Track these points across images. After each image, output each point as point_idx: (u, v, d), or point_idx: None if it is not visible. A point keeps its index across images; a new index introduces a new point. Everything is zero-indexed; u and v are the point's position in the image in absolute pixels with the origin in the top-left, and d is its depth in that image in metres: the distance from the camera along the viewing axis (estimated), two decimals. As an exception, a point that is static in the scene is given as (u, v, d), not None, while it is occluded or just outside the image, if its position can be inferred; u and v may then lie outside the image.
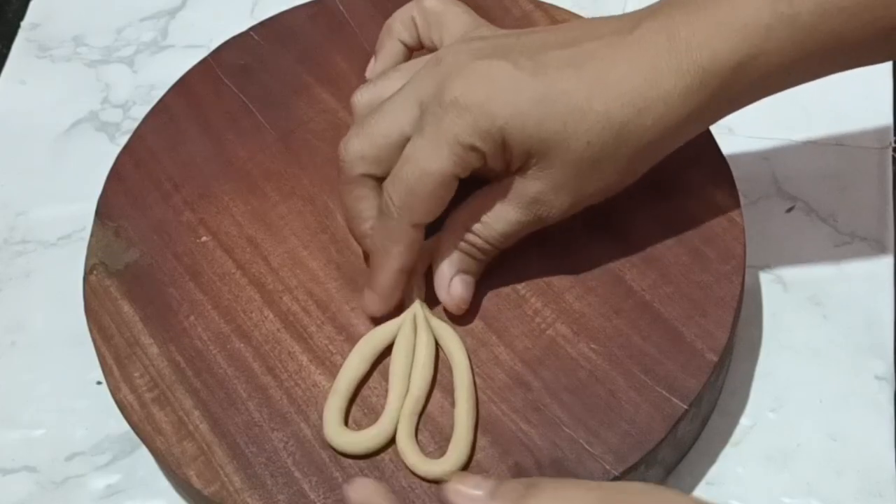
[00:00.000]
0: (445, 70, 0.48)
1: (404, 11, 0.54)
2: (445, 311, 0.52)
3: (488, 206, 0.50)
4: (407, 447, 0.48)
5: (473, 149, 0.47)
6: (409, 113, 0.49)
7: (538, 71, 0.47)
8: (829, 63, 0.49)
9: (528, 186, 0.49)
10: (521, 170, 0.48)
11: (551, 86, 0.47)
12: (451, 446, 0.48)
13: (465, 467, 0.48)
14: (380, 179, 0.50)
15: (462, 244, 0.51)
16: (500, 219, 0.50)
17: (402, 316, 0.51)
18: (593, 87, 0.47)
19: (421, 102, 0.49)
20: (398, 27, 0.54)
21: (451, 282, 0.51)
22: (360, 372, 0.50)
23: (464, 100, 0.47)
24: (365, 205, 0.51)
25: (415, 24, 0.53)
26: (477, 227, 0.50)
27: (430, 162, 0.47)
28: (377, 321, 0.52)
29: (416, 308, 0.51)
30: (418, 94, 0.49)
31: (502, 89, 0.47)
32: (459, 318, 0.52)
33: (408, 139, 0.49)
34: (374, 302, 0.51)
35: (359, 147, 0.50)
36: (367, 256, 0.53)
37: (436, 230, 0.51)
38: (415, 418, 0.49)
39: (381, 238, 0.50)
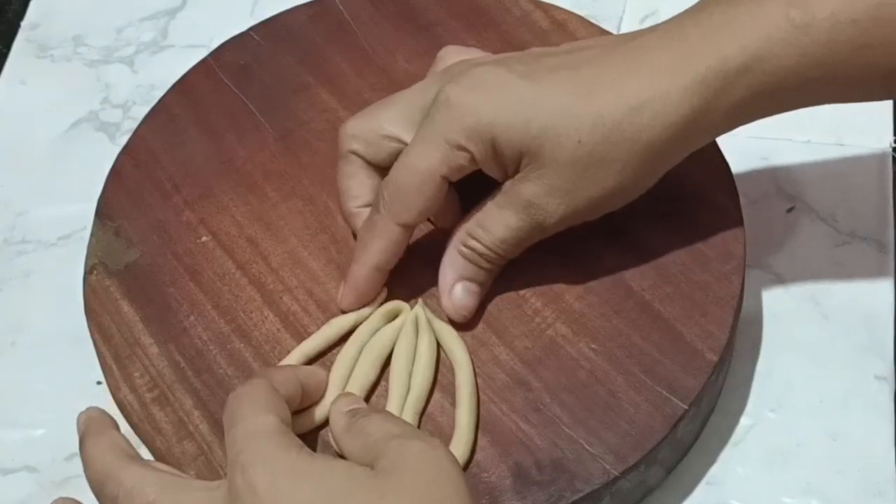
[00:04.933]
0: (448, 76, 0.49)
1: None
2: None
3: (488, 211, 0.50)
4: None
5: (461, 147, 0.48)
6: (404, 110, 0.51)
7: (531, 74, 0.48)
8: (841, 82, 0.47)
9: (523, 189, 0.48)
10: (517, 173, 0.49)
11: (542, 86, 0.47)
12: (451, 446, 0.48)
13: (466, 467, 0.48)
14: (370, 163, 0.52)
15: (464, 249, 0.51)
16: (498, 223, 0.50)
17: (402, 317, 0.51)
18: (585, 88, 0.47)
19: (419, 104, 0.50)
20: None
21: (453, 288, 0.51)
22: (370, 379, 0.50)
23: (455, 100, 0.48)
24: (353, 183, 0.52)
25: None
26: (478, 232, 0.50)
27: (419, 159, 0.48)
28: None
29: (418, 309, 0.51)
30: (418, 96, 0.50)
31: (493, 89, 0.48)
32: (462, 323, 0.52)
33: (395, 136, 0.50)
34: (346, 296, 0.52)
35: (353, 126, 0.52)
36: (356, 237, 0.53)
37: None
38: (416, 418, 0.49)
39: (364, 232, 0.51)
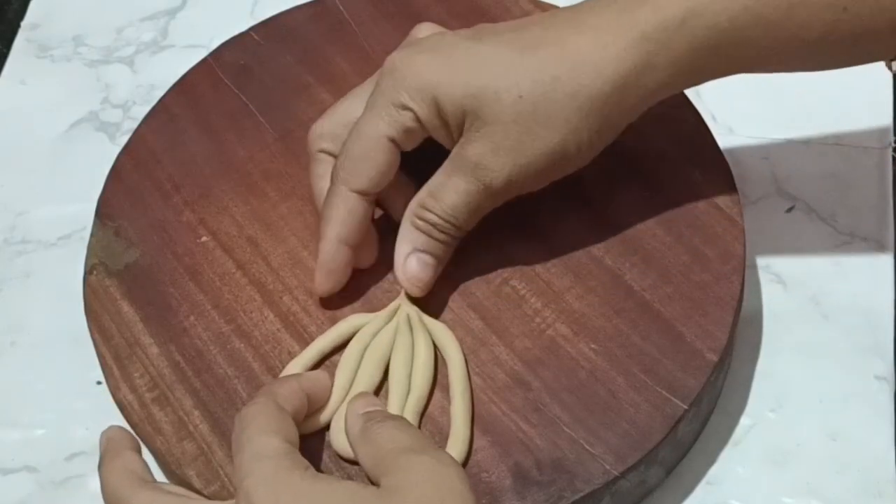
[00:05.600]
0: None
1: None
2: (446, 309, 0.52)
3: (437, 180, 0.50)
4: None
5: (404, 107, 0.48)
6: (366, 96, 0.51)
7: (475, 36, 0.49)
8: (773, 47, 0.47)
9: (468, 150, 0.48)
10: (462, 135, 0.49)
11: (485, 46, 0.48)
12: (449, 443, 0.48)
13: (465, 463, 0.48)
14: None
15: (416, 220, 0.50)
16: (447, 189, 0.49)
17: (397, 316, 0.51)
18: (527, 47, 0.47)
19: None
20: None
21: (407, 259, 0.50)
22: (374, 381, 0.50)
23: (399, 64, 0.49)
24: (325, 183, 0.52)
25: None
26: (428, 201, 0.50)
27: (366, 125, 0.49)
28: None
29: (409, 309, 0.51)
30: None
31: (436, 51, 0.49)
32: (451, 315, 0.52)
33: None
34: (318, 277, 0.51)
35: (319, 126, 0.52)
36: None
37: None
38: (417, 418, 0.49)
39: (324, 207, 0.51)
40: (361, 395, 0.48)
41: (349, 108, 0.52)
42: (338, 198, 0.50)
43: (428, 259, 0.51)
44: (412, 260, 0.50)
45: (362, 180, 0.50)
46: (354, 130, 0.50)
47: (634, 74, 0.47)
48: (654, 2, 0.46)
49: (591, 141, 0.48)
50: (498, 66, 0.47)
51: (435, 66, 0.48)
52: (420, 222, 0.50)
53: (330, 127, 0.52)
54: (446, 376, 0.50)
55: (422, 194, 0.50)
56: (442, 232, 0.50)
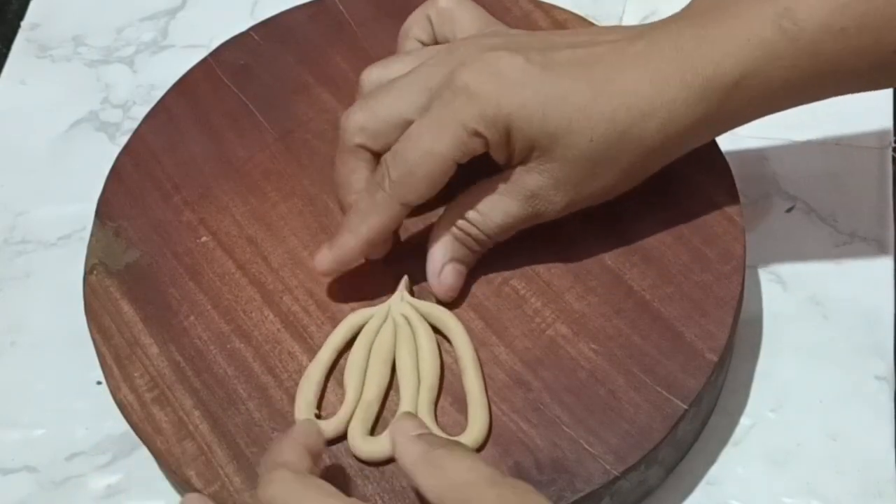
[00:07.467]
0: (458, 59, 0.49)
1: (419, 12, 0.54)
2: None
3: (488, 196, 0.50)
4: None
5: (477, 135, 0.48)
6: (415, 96, 0.50)
7: (548, 66, 0.48)
8: (830, 84, 0.49)
9: (529, 180, 0.49)
10: (523, 163, 0.49)
11: (560, 82, 0.48)
12: (469, 415, 0.49)
13: (489, 431, 0.48)
14: (374, 154, 0.51)
15: (458, 232, 0.51)
16: (498, 210, 0.50)
17: (390, 315, 0.51)
18: (600, 89, 0.48)
19: (430, 88, 0.49)
20: (415, 28, 0.54)
21: (443, 269, 0.51)
22: (386, 380, 0.50)
23: (474, 87, 0.48)
24: (356, 177, 0.51)
25: (430, 23, 0.54)
26: (474, 216, 0.50)
27: (434, 143, 0.48)
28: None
29: (401, 304, 0.51)
30: (428, 80, 0.50)
31: (512, 80, 0.48)
32: (451, 307, 0.52)
33: (409, 121, 0.49)
34: (328, 261, 0.51)
35: (360, 119, 0.51)
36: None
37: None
38: (432, 407, 0.49)
39: (365, 205, 0.50)
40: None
41: (393, 105, 0.50)
42: (385, 207, 0.49)
43: (461, 268, 0.52)
44: (449, 270, 0.51)
45: (417, 196, 0.49)
46: (419, 146, 0.48)
47: (695, 126, 0.49)
48: (711, 59, 0.47)
49: (642, 176, 0.51)
50: (573, 108, 0.47)
51: (512, 97, 0.47)
52: (462, 234, 0.51)
53: (371, 122, 0.50)
54: (446, 377, 0.50)
55: (465, 207, 0.50)
56: (479, 245, 0.51)
